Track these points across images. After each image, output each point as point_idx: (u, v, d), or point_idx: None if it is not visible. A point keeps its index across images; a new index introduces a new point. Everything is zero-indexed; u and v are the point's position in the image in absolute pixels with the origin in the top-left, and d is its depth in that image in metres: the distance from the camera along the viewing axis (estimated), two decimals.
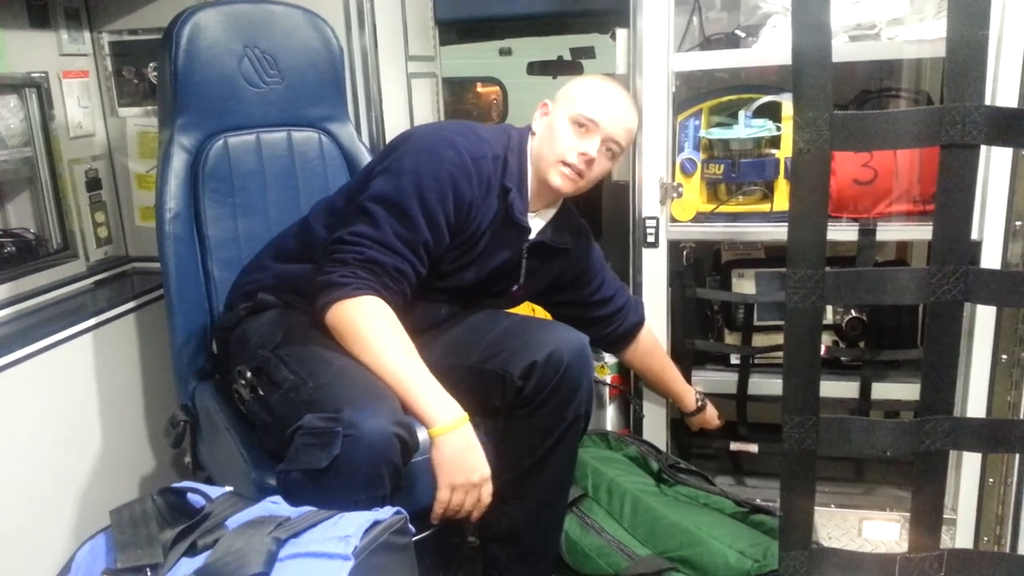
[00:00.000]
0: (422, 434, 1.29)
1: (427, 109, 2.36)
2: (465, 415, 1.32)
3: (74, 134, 1.93)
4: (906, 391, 1.91)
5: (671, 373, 1.90)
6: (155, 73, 1.93)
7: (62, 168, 1.90)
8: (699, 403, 1.93)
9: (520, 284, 1.62)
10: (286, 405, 1.30)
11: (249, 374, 1.39)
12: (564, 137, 1.48)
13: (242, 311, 1.53)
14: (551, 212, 1.60)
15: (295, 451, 1.20)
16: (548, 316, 2.08)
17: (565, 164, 1.48)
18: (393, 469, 1.21)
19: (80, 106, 1.96)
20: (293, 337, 1.40)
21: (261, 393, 1.36)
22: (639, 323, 1.82)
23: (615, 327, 1.78)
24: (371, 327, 1.33)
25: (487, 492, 1.34)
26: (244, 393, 1.39)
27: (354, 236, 1.39)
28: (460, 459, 1.30)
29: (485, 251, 1.53)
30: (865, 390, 1.91)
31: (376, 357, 1.31)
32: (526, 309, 2.14)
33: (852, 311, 1.94)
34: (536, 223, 1.58)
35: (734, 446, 2.01)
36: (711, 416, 1.96)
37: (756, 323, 2.03)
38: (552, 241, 1.60)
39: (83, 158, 1.97)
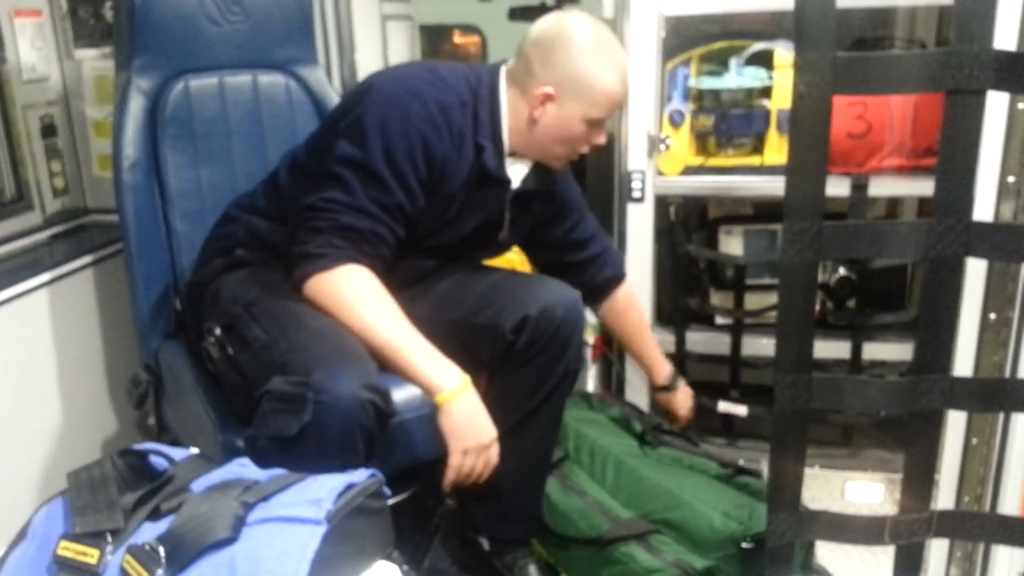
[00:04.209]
0: (397, 396, 1.26)
1: (403, 55, 2.27)
2: (467, 378, 1.31)
3: (27, 77, 1.83)
4: (894, 351, 1.89)
5: (646, 339, 1.82)
6: (112, 12, 1.83)
7: (15, 114, 1.80)
8: (670, 381, 1.83)
9: (506, 233, 1.56)
10: (256, 365, 1.26)
11: (219, 331, 1.34)
12: (579, 136, 1.43)
13: (218, 266, 1.46)
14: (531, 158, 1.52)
15: (263, 416, 1.17)
16: (529, 268, 2.02)
17: (574, 154, 1.48)
18: (367, 436, 1.18)
19: (33, 48, 1.85)
20: (267, 295, 1.35)
21: (230, 352, 1.32)
22: (617, 276, 1.75)
23: (592, 276, 1.70)
24: (356, 298, 1.30)
25: (495, 452, 1.35)
26: (213, 351, 1.34)
27: (326, 202, 1.33)
28: (469, 423, 1.31)
29: (465, 208, 1.46)
30: (856, 350, 1.88)
31: (367, 328, 1.28)
32: (504, 262, 2.08)
33: (841, 270, 1.91)
34: (518, 170, 1.50)
35: (722, 407, 1.96)
36: (682, 400, 1.84)
37: (748, 282, 1.98)
38: (536, 188, 1.53)
39: (37, 103, 1.87)
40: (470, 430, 1.31)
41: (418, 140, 1.34)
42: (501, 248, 1.63)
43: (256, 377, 1.22)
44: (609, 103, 1.42)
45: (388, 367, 1.29)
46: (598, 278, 1.71)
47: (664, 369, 1.83)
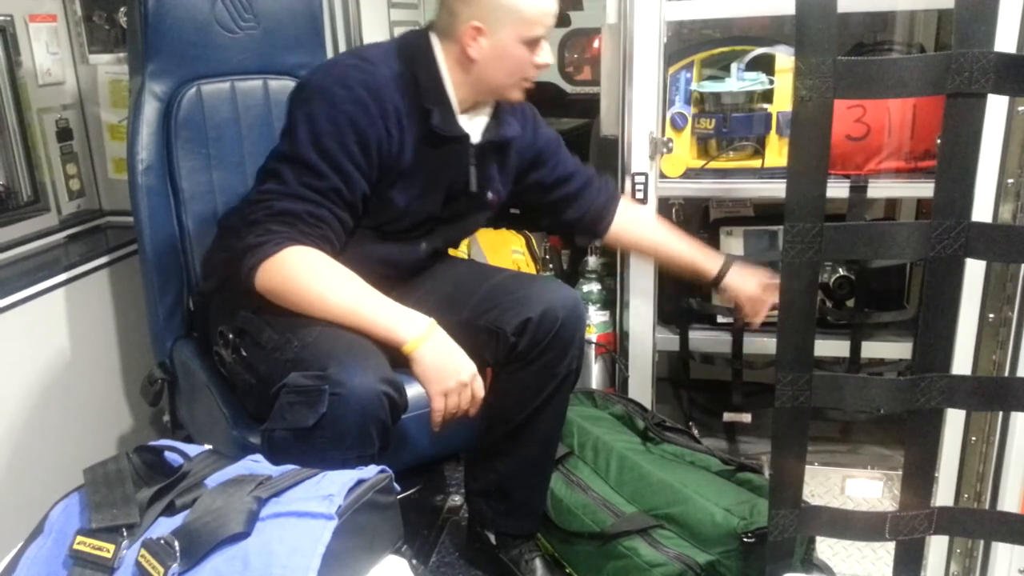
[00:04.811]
0: (411, 391, 1.27)
1: None
2: (433, 321, 1.29)
3: (43, 81, 1.86)
4: (892, 350, 1.91)
5: (675, 239, 1.72)
6: (126, 18, 1.85)
7: (31, 117, 1.83)
8: (725, 266, 1.70)
9: (489, 190, 1.53)
10: (270, 365, 1.27)
11: (231, 335, 1.35)
12: (522, 60, 1.39)
13: (224, 274, 1.47)
14: (488, 107, 1.50)
15: (280, 409, 1.18)
16: (533, 270, 2.03)
17: (526, 80, 1.43)
18: (381, 427, 1.19)
19: (49, 52, 1.87)
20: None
21: (244, 354, 1.33)
22: (613, 197, 1.72)
23: (588, 204, 1.68)
24: (305, 273, 1.27)
25: (479, 386, 1.31)
26: (225, 355, 1.36)
27: (261, 194, 1.33)
28: (443, 364, 1.27)
29: (428, 175, 1.43)
30: (855, 349, 1.90)
31: (323, 299, 1.26)
32: (509, 264, 2.10)
33: (840, 270, 1.92)
34: (476, 124, 1.48)
35: (727, 417, 1.99)
36: (747, 283, 1.69)
37: None
38: (499, 136, 1.51)
39: (53, 107, 1.89)
40: (446, 370, 1.27)
41: (346, 124, 1.31)
42: (488, 207, 1.58)
43: (271, 376, 1.23)
44: (542, 16, 1.37)
45: (355, 332, 1.26)
46: (595, 204, 1.69)
47: (710, 258, 1.71)
